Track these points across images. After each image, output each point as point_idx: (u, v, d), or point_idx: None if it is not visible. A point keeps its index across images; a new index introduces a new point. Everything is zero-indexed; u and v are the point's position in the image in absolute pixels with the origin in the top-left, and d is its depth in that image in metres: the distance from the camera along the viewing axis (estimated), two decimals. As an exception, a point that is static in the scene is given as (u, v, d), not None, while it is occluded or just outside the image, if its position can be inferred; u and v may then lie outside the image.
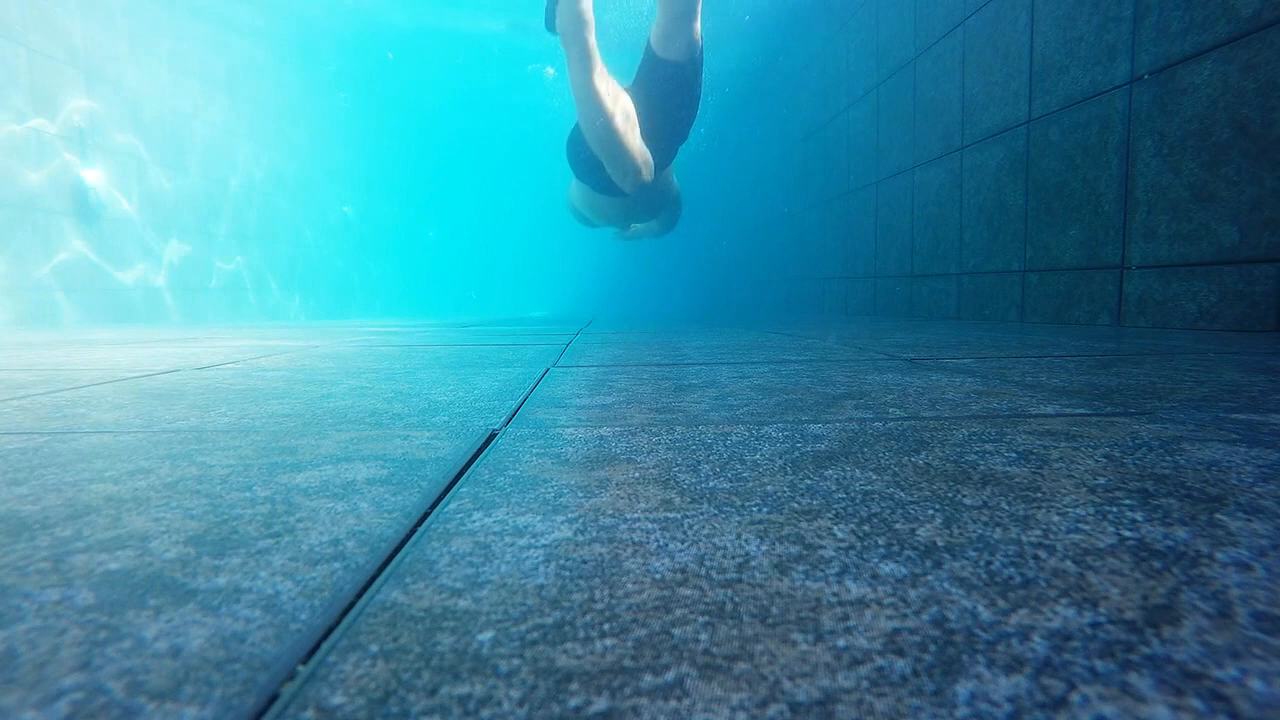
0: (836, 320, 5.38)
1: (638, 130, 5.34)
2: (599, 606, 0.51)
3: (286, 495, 0.80)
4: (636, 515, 0.71)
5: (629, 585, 0.54)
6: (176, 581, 0.57)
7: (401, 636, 0.47)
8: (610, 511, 0.72)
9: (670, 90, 5.27)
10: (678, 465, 0.90)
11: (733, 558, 0.60)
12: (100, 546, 0.64)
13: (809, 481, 0.82)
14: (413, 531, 0.68)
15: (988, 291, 4.83)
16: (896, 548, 0.61)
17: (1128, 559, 0.58)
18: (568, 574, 0.57)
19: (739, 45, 10.13)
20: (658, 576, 0.56)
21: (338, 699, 0.40)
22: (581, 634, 0.47)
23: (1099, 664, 0.42)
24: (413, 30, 11.29)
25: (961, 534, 0.64)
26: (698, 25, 5.20)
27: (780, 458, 0.93)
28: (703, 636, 0.46)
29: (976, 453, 0.94)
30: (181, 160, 7.75)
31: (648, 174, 5.48)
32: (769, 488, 0.80)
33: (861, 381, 1.65)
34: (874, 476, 0.83)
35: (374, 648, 0.45)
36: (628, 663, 0.43)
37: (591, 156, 5.57)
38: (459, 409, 1.36)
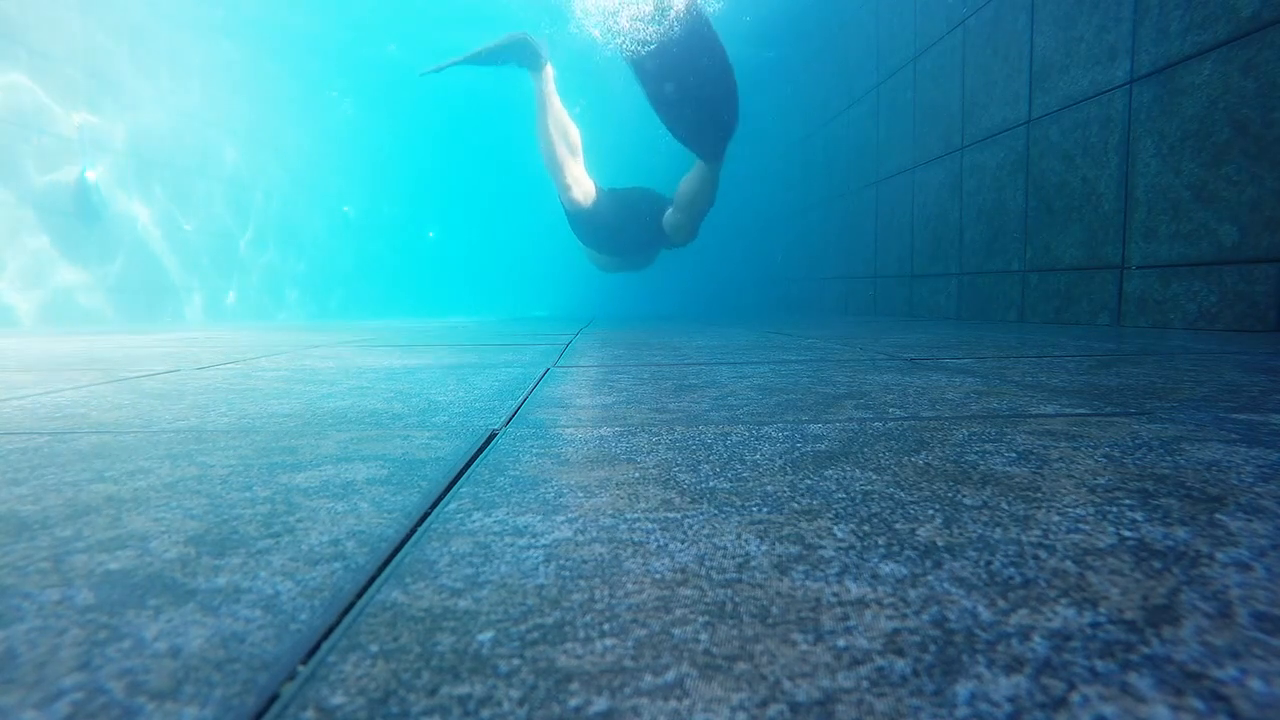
0: (836, 320, 5.38)
1: (580, 159, 6.92)
2: (599, 606, 0.51)
3: (286, 495, 0.80)
4: (636, 515, 0.71)
5: (629, 585, 0.54)
6: (176, 581, 0.57)
7: (401, 636, 0.47)
8: (610, 511, 0.72)
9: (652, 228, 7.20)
10: (678, 465, 0.90)
11: (733, 558, 0.60)
12: (100, 546, 0.64)
13: (809, 481, 0.82)
14: (413, 532, 0.68)
15: (988, 291, 4.83)
16: (896, 548, 0.61)
17: (1128, 559, 0.58)
18: (568, 574, 0.57)
19: (739, 46, 10.11)
20: (658, 576, 0.56)
21: (338, 699, 0.40)
22: (581, 634, 0.47)
23: (1099, 664, 0.42)
24: (414, 27, 11.28)
25: (961, 534, 0.64)
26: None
27: (780, 458, 0.93)
28: (703, 636, 0.46)
29: (976, 453, 0.94)
30: (180, 160, 7.75)
31: (582, 199, 6.97)
32: (769, 488, 0.80)
33: (861, 381, 1.65)
34: (874, 476, 0.83)
35: (374, 648, 0.45)
36: (628, 663, 0.43)
37: (585, 226, 7.14)
38: (459, 409, 1.36)
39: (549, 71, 6.78)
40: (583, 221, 7.15)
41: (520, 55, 6.76)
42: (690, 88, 5.95)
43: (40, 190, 5.96)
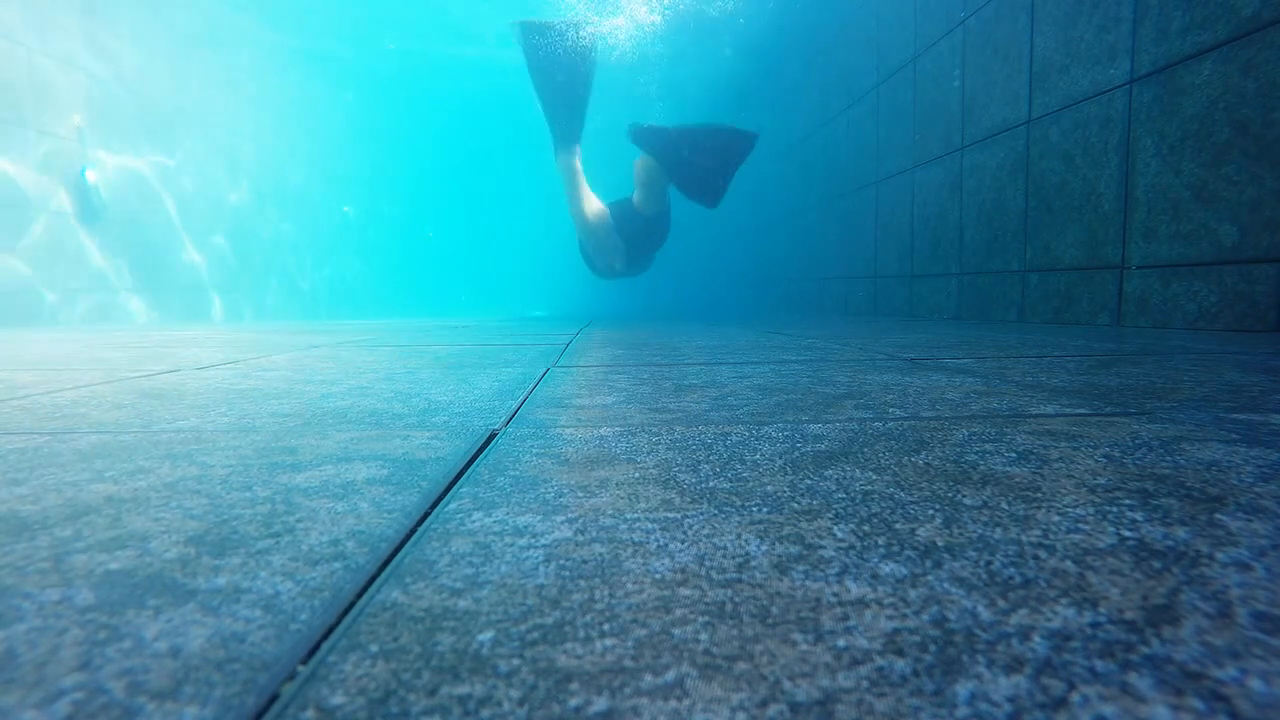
0: (836, 320, 5.38)
1: (608, 226, 7.88)
2: (599, 606, 0.51)
3: (286, 495, 0.80)
4: (636, 515, 0.71)
5: (629, 585, 0.54)
6: (176, 581, 0.57)
7: (401, 636, 0.47)
8: (610, 511, 0.72)
9: (641, 230, 7.97)
10: (678, 465, 0.90)
11: (733, 558, 0.60)
12: (100, 546, 0.64)
13: (809, 481, 0.82)
14: (413, 532, 0.68)
15: (988, 291, 4.83)
16: (896, 548, 0.61)
17: (1128, 559, 0.58)
18: (568, 574, 0.57)
19: (738, 45, 10.12)
20: (658, 576, 0.56)
21: (338, 699, 0.40)
22: (581, 634, 0.47)
23: (1099, 664, 0.42)
24: (414, 27, 11.28)
25: (961, 534, 0.64)
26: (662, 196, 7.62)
27: (780, 458, 0.93)
28: (703, 636, 0.46)
29: (976, 453, 0.94)
30: (182, 160, 7.75)
31: (613, 253, 7.95)
32: (769, 488, 0.80)
33: (861, 381, 1.65)
34: (874, 476, 0.83)
35: (374, 648, 0.45)
36: (628, 663, 0.43)
37: (604, 260, 8.14)
38: (459, 409, 1.36)
39: (578, 152, 7.50)
40: (604, 262, 8.11)
41: (557, 90, 7.27)
42: (700, 163, 6.99)
43: (49, 190, 5.96)
